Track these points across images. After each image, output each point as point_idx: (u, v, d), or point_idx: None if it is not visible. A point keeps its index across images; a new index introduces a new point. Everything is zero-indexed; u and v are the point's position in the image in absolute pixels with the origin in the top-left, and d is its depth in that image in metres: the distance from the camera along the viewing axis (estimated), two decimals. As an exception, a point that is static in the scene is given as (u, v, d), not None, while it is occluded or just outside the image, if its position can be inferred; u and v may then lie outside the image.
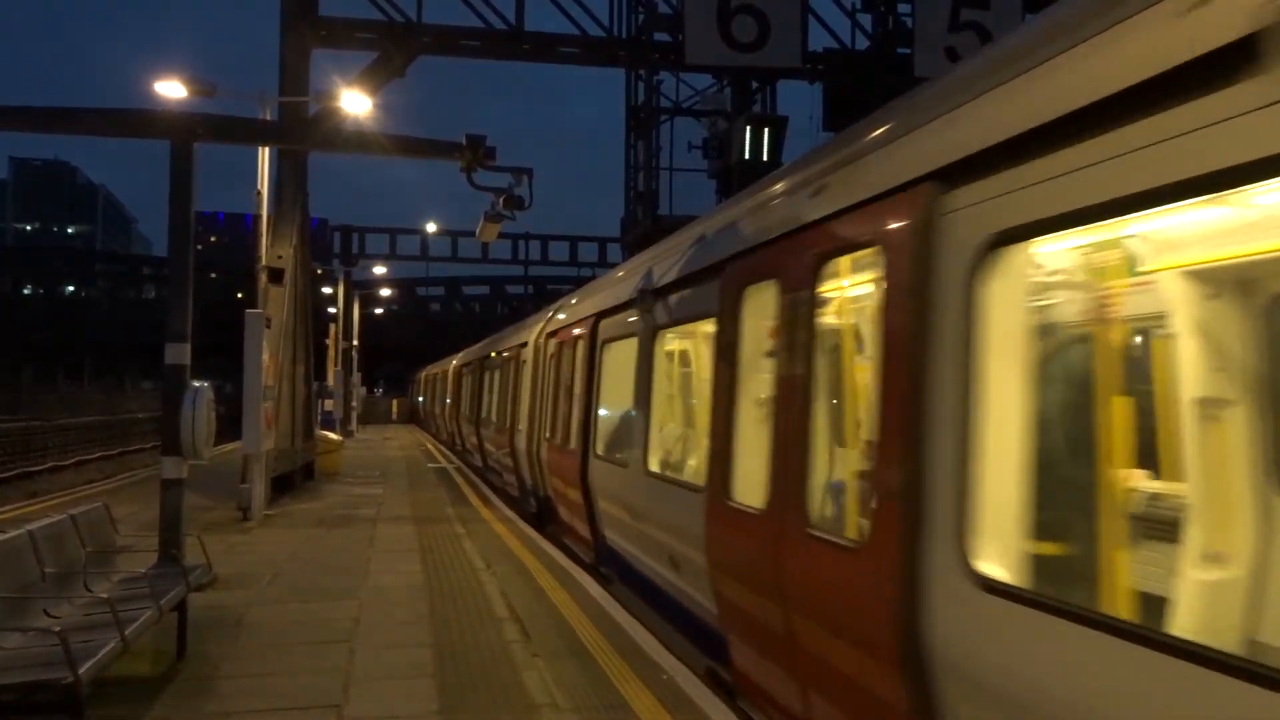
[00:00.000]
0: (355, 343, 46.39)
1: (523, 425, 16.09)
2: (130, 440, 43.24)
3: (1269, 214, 3.16)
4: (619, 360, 10.41)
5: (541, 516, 14.81)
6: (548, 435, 13.54)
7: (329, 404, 36.62)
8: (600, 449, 10.41)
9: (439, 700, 6.28)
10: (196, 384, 9.97)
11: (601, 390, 10.69)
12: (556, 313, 15.38)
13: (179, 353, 10.08)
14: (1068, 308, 4.05)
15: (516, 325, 23.15)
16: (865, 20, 23.28)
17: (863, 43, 23.36)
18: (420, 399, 57.03)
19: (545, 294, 62.82)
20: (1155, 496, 4.12)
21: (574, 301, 14.14)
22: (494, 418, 20.87)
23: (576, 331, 12.12)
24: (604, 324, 10.74)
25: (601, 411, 10.71)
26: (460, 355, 35.38)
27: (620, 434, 10.19)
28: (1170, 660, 2.54)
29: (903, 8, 22.99)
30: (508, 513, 16.36)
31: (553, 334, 14.36)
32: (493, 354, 23.03)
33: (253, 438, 13.95)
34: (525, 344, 17.07)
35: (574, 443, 11.29)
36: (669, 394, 9.74)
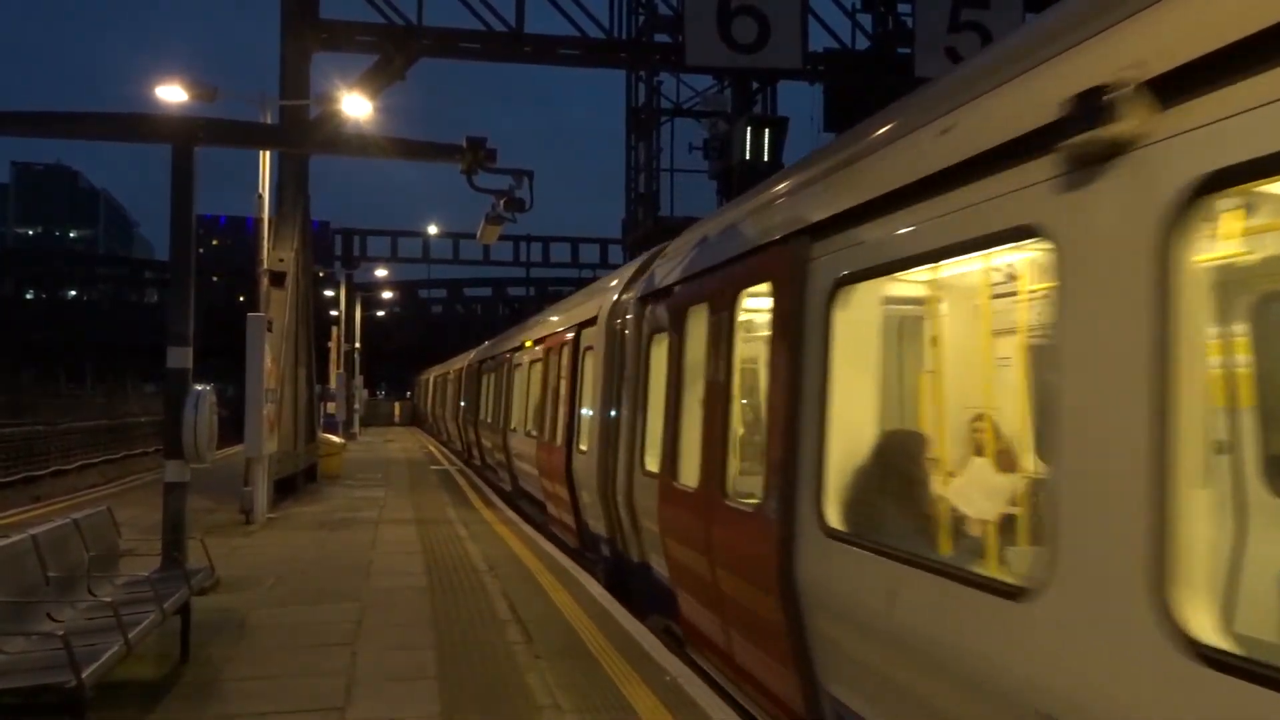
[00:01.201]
0: (357, 345, 46.46)
1: (587, 444, 11.12)
2: (133, 444, 43.26)
3: None
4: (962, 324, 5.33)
5: (626, 587, 9.64)
6: (651, 469, 8.38)
7: (331, 407, 36.66)
8: (862, 525, 4.82)
9: (441, 702, 6.28)
10: (198, 387, 9.98)
11: (846, 392, 4.98)
12: (658, 259, 9.60)
13: (181, 356, 10.09)
14: None
15: (567, 299, 17.71)
16: (865, 20, 23.35)
17: (863, 43, 23.43)
18: (428, 402, 53.02)
19: (547, 295, 62.90)
20: None
21: (714, 222, 7.99)
22: (531, 430, 15.85)
23: (747, 276, 6.32)
24: (855, 241, 4.85)
25: (856, 441, 5.04)
26: (478, 350, 29.56)
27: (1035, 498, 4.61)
28: None
29: (903, 8, 23.05)
30: (509, 514, 16.37)
31: (656, 295, 8.69)
32: (528, 343, 17.57)
33: (255, 441, 13.96)
34: (591, 321, 11.78)
35: (743, 494, 6.23)
36: None
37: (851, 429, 5.02)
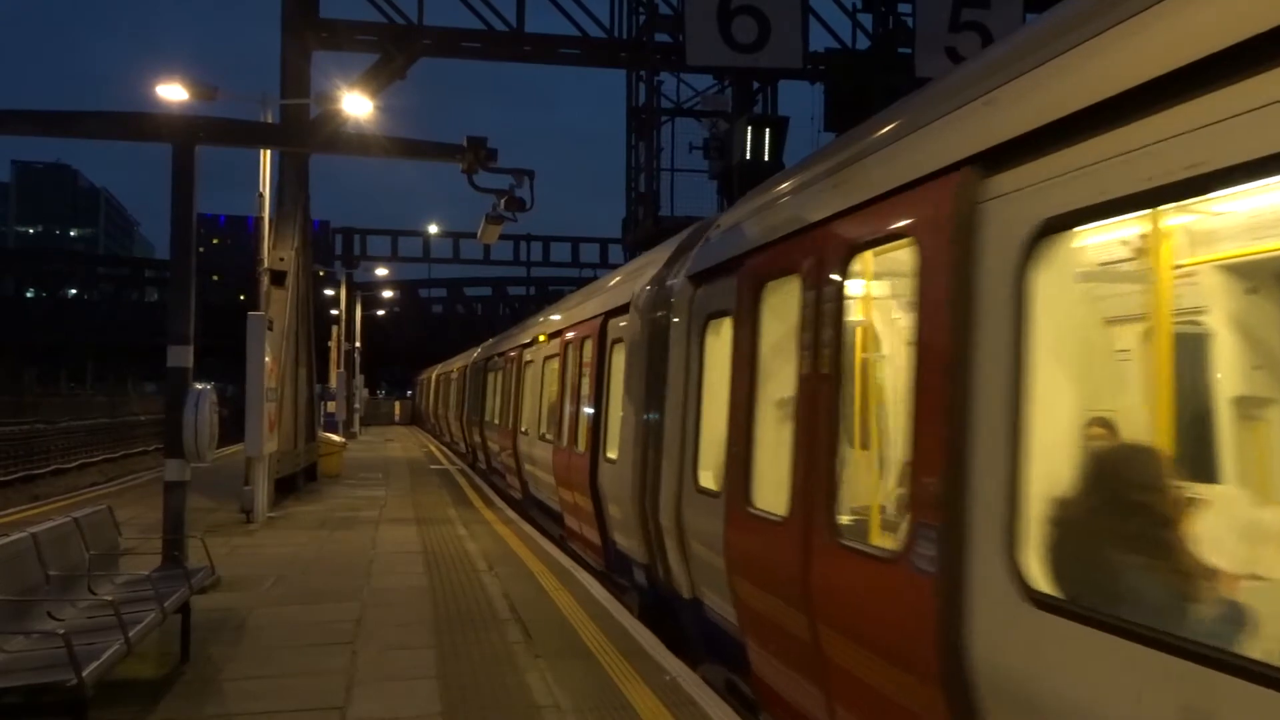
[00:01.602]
0: (358, 344, 46.46)
1: (617, 451, 9.54)
2: (133, 443, 43.30)
3: None
4: None
5: (669, 623, 8.05)
6: (708, 485, 6.76)
7: (331, 406, 36.66)
8: (1106, 591, 3.27)
9: (441, 701, 6.28)
10: (199, 386, 10.00)
11: (1054, 391, 3.44)
12: (711, 231, 7.75)
13: (181, 355, 10.11)
14: None
15: (587, 286, 15.48)
16: (866, 20, 23.34)
17: (864, 43, 23.42)
18: (429, 402, 50.79)
19: (547, 295, 62.92)
20: None
21: (805, 172, 5.98)
22: (546, 434, 14.35)
23: (869, 231, 4.73)
24: (1075, 165, 3.22)
25: (1075, 463, 3.47)
26: (484, 346, 27.49)
27: None
28: None
29: (903, 7, 23.03)
30: (510, 514, 16.37)
31: (716, 271, 7.02)
32: (541, 337, 15.87)
33: (255, 440, 13.96)
34: (620, 309, 10.34)
35: (862, 530, 5.23)
36: None
37: (1065, 444, 3.43)
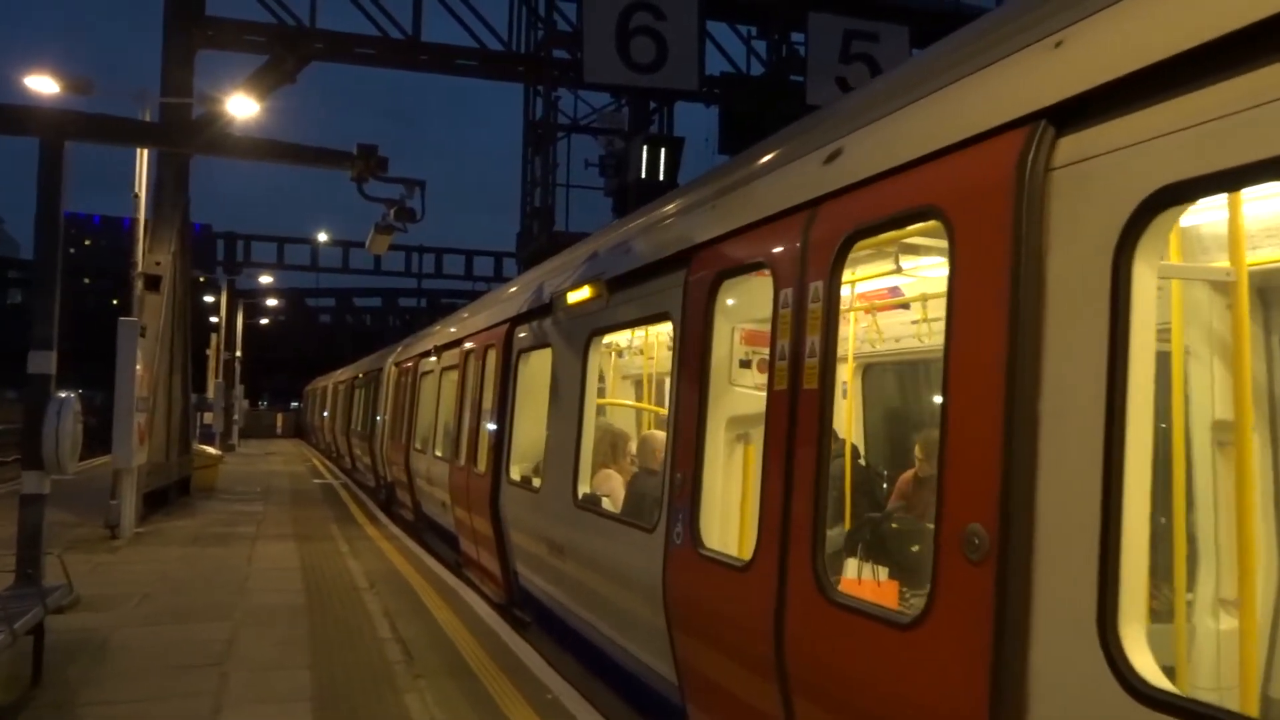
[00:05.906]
0: (238, 353, 44.93)
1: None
2: (-11, 453, 40.79)
3: None
4: None
5: None
6: None
7: (209, 417, 35.30)
8: None
9: (315, 724, 6.09)
10: (62, 394, 9.49)
11: None
12: None
13: (43, 361, 9.58)
14: None
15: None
16: (760, 47, 23.92)
17: (758, 69, 23.99)
18: (325, 418, 43.29)
19: (440, 307, 62.07)
20: None
21: None
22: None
23: None
24: None
25: None
26: (450, 325, 15.36)
27: None
28: None
29: (796, 37, 23.67)
30: (394, 530, 16.03)
31: None
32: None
33: (124, 451, 13.33)
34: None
35: None
36: None
37: None
